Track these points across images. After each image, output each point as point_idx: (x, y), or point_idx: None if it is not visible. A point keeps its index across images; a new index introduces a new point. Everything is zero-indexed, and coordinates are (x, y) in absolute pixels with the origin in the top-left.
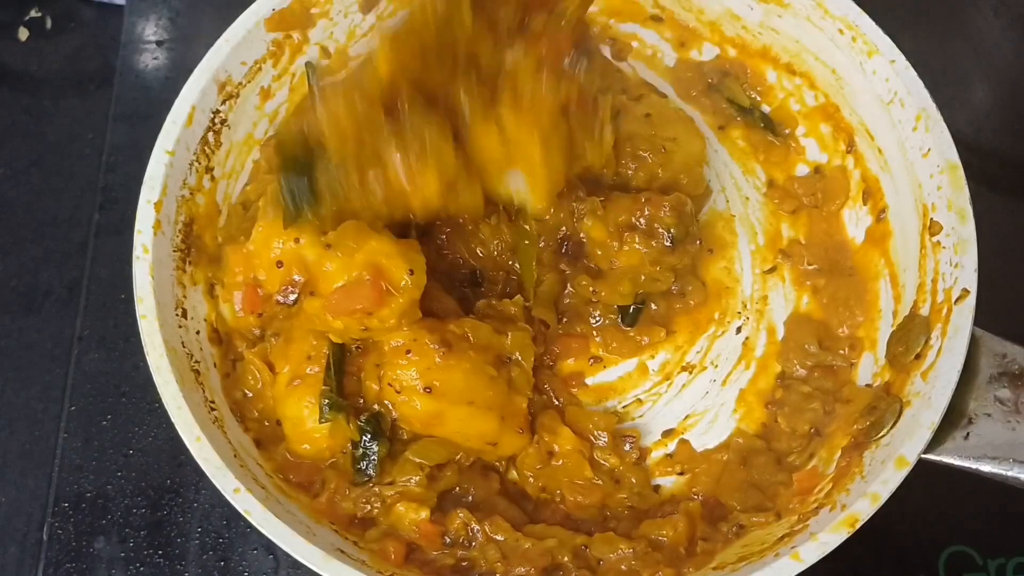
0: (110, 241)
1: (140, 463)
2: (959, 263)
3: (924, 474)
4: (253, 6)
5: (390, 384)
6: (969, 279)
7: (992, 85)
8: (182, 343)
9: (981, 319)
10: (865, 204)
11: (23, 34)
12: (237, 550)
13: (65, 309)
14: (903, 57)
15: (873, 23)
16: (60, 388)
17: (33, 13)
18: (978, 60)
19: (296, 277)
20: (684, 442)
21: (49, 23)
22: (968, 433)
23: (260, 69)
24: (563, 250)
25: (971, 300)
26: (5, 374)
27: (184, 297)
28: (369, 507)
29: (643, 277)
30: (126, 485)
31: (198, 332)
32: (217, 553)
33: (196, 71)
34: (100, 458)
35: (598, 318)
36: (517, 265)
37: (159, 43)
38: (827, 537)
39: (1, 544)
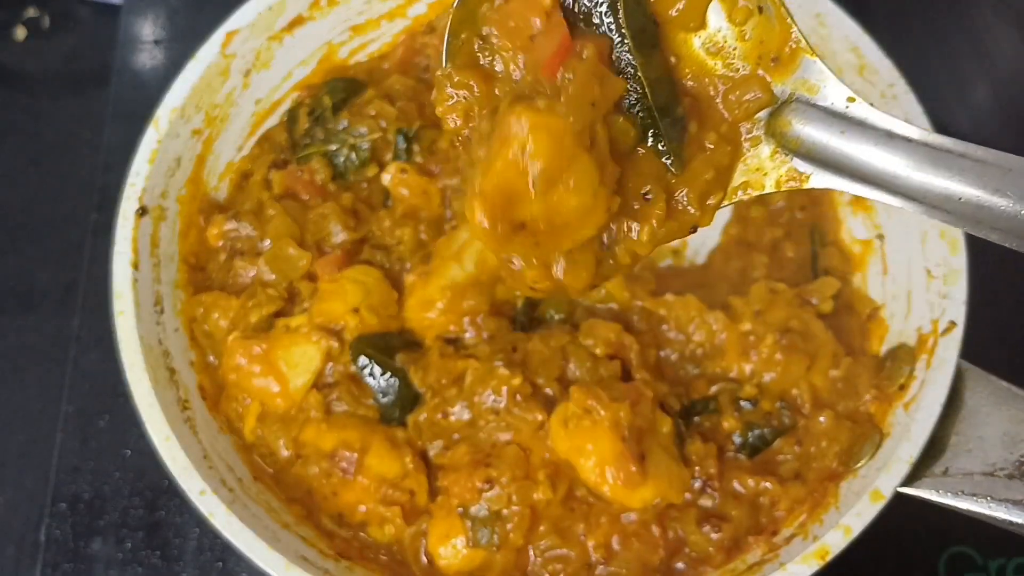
0: (108, 241)
1: (138, 464)
2: (948, 294)
3: None
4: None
5: None
6: (957, 311)
7: (992, 85)
8: (159, 340)
9: (969, 349)
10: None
11: (20, 34)
12: (235, 550)
13: (63, 309)
14: (903, 81)
15: (874, 45)
16: (58, 388)
17: (30, 13)
18: (978, 59)
19: None
20: None
21: (47, 23)
22: (947, 468)
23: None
24: None
25: (958, 333)
26: (2, 374)
27: (163, 294)
28: None
29: None
30: (123, 486)
31: (176, 329)
32: (215, 553)
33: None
34: (98, 459)
35: None
36: None
37: (157, 42)
38: (796, 568)
39: None
